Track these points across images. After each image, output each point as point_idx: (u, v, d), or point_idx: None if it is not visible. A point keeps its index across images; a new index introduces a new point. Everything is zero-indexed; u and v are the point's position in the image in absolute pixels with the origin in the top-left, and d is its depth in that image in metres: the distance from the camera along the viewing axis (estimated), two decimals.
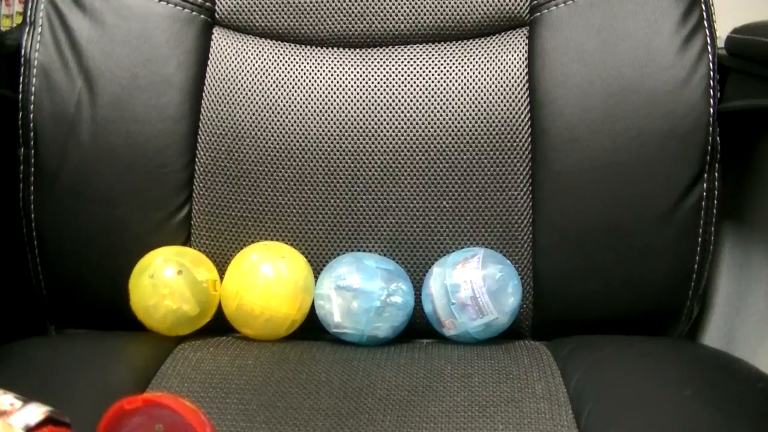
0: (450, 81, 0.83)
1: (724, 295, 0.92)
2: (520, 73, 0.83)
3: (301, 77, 0.84)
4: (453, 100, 0.83)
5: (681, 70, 0.80)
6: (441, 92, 0.83)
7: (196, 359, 0.74)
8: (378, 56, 0.85)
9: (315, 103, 0.83)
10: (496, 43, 0.84)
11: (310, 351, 0.77)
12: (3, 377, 0.68)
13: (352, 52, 0.85)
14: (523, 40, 0.84)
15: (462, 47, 0.84)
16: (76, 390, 0.67)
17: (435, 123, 0.83)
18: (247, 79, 0.84)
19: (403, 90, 0.83)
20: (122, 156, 0.82)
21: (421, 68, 0.84)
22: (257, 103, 0.84)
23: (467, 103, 0.83)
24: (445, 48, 0.84)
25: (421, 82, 0.83)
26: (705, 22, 0.81)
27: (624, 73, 0.80)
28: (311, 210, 0.83)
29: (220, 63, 0.84)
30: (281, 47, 0.85)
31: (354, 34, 0.85)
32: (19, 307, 0.90)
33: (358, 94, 0.83)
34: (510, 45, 0.84)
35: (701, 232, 0.81)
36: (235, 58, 0.84)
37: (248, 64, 0.84)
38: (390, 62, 0.84)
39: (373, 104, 0.83)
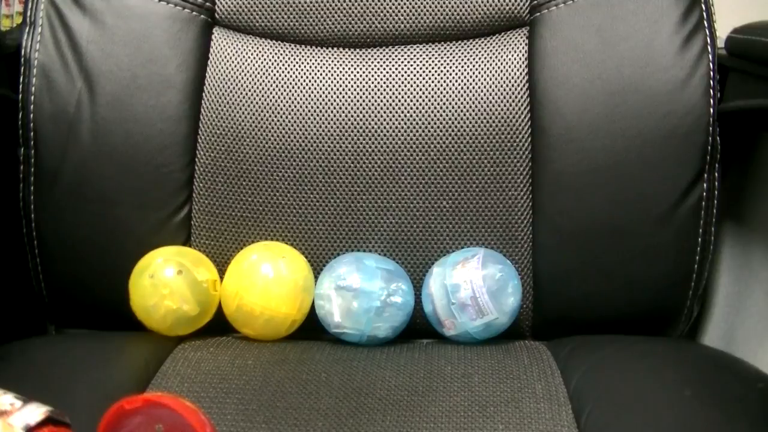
0: (450, 81, 0.83)
1: (724, 295, 0.92)
2: (520, 73, 0.83)
3: (301, 77, 0.84)
4: (453, 100, 0.83)
5: (681, 70, 0.80)
6: (441, 92, 0.83)
7: (196, 359, 0.74)
8: (378, 56, 0.85)
9: (315, 103, 0.83)
10: (496, 43, 0.84)
11: (310, 351, 0.77)
12: (3, 377, 0.68)
13: (352, 52, 0.85)
14: (523, 40, 0.84)
15: (462, 47, 0.84)
16: (76, 390, 0.67)
17: (435, 123, 0.82)
18: (247, 79, 0.84)
19: (403, 90, 0.83)
20: (122, 156, 0.82)
21: (421, 68, 0.84)
22: (257, 103, 0.84)
23: (467, 103, 0.83)
24: (445, 48, 0.84)
25: (421, 82, 0.83)
26: (705, 22, 0.81)
27: (624, 73, 0.80)
28: (311, 210, 0.83)
29: (220, 63, 0.84)
30: (281, 47, 0.85)
31: (354, 34, 0.85)
32: (19, 307, 0.90)
33: (358, 94, 0.83)
34: (510, 45, 0.84)
35: (701, 232, 0.81)
36: (235, 58, 0.84)
37: (248, 64, 0.84)
38: (390, 62, 0.84)
39: (373, 104, 0.83)
